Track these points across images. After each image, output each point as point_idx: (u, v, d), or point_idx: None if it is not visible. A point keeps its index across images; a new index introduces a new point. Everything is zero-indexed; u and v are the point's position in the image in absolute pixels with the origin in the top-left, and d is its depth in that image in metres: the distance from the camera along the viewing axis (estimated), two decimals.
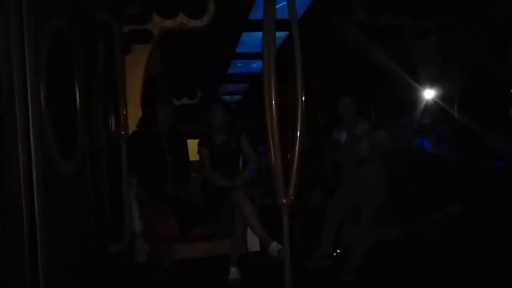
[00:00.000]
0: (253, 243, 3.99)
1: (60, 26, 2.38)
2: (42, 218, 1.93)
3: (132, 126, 4.09)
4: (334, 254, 4.09)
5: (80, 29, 2.72)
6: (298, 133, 2.06)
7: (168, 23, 4.29)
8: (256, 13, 5.35)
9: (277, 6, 2.09)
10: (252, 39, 6.87)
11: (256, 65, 8.63)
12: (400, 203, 4.28)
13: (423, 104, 4.31)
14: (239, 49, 7.40)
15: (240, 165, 4.21)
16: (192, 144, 4.30)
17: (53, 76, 2.19)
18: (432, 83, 4.40)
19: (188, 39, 4.86)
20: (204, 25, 4.32)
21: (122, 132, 3.57)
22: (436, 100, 4.32)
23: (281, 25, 2.15)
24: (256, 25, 5.63)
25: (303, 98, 2.06)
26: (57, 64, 2.33)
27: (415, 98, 4.55)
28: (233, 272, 3.66)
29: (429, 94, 4.31)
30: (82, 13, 2.83)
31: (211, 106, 4.10)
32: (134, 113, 4.14)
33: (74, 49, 2.61)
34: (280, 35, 5.67)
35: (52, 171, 2.14)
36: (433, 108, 4.32)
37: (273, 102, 2.02)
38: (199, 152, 4.06)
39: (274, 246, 3.41)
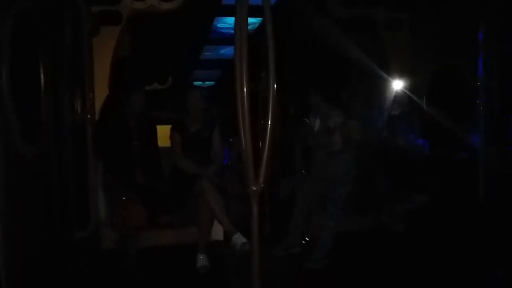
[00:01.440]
0: (219, 232, 3.98)
1: (25, 5, 2.29)
2: (2, 202, 1.87)
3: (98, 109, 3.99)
4: (303, 242, 4.13)
5: (46, 9, 2.63)
6: (270, 120, 2.05)
7: (139, 5, 4.18)
8: None
9: None
10: (224, 25, 6.80)
11: (226, 51, 8.56)
12: (368, 193, 4.34)
13: (393, 95, 4.36)
14: (211, 34, 7.32)
15: (211, 154, 4.17)
16: (163, 130, 4.24)
17: (17, 56, 2.11)
18: (402, 74, 4.45)
19: (158, 22, 4.76)
20: (176, 8, 4.24)
21: (89, 116, 3.49)
22: (405, 91, 4.38)
23: (254, 11, 2.12)
24: (228, 10, 5.56)
25: (275, 86, 2.04)
26: (22, 44, 2.25)
27: (384, 89, 4.61)
28: (201, 260, 3.65)
29: (398, 85, 4.36)
30: None
31: (190, 93, 4.03)
32: (101, 97, 4.04)
33: (40, 29, 2.53)
34: (254, 21, 5.62)
35: (14, 155, 2.07)
36: (402, 99, 4.38)
37: (245, 89, 2.00)
38: (171, 137, 4.00)
39: (237, 238, 3.42)
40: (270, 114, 2.06)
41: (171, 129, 4.01)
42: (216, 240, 4.01)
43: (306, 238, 4.18)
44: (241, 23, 2.02)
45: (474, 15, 3.78)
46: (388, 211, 4.29)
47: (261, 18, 4.37)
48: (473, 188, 3.72)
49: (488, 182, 3.64)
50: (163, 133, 4.21)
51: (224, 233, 3.81)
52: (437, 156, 4.18)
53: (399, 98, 4.33)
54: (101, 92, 4.03)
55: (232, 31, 2.09)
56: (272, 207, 4.58)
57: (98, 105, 3.95)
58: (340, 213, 3.82)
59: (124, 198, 3.65)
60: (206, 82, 12.19)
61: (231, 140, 6.16)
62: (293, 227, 4.06)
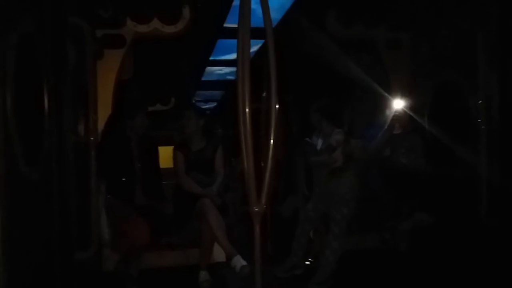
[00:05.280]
0: (221, 253, 3.96)
1: (28, 29, 2.33)
2: (3, 224, 1.87)
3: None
4: (306, 262, 4.09)
5: (50, 33, 2.67)
6: (272, 141, 2.06)
7: (142, 28, 4.24)
8: (232, 20, 5.36)
9: (252, 14, 2.08)
10: (227, 46, 6.87)
11: (231, 72, 8.63)
12: (371, 212, 4.32)
13: (394, 114, 4.36)
14: (214, 56, 7.40)
15: (213, 174, 4.17)
16: (166, 151, 4.25)
17: (20, 80, 2.14)
18: (403, 93, 4.47)
19: (162, 44, 4.82)
20: (179, 31, 4.29)
21: (92, 138, 3.51)
22: (406, 110, 4.39)
23: (256, 33, 2.15)
24: (231, 32, 5.63)
25: (277, 106, 2.06)
26: (26, 68, 2.27)
27: (385, 108, 4.62)
28: (204, 275, 3.67)
29: (399, 104, 4.37)
30: (53, 16, 2.77)
31: (185, 113, 4.08)
32: (104, 119, 4.07)
33: (44, 52, 2.56)
34: (255, 42, 5.69)
35: (16, 177, 2.08)
36: (403, 117, 4.39)
37: (247, 109, 2.01)
38: (173, 157, 4.03)
39: (237, 260, 3.40)
40: (272, 134, 2.07)
41: (174, 149, 4.04)
42: (218, 262, 3.99)
43: (309, 259, 4.14)
44: (243, 45, 2.05)
45: (472, 32, 3.81)
46: (392, 229, 4.26)
47: (263, 40, 4.43)
48: (475, 206, 3.69)
49: (490, 200, 3.62)
50: (165, 154, 4.23)
51: (226, 255, 3.80)
52: (439, 174, 4.17)
53: (400, 117, 4.34)
54: (104, 115, 4.06)
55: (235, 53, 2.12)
56: (275, 227, 4.55)
57: (101, 127, 3.98)
58: (343, 233, 3.79)
59: (126, 219, 3.64)
60: (209, 103, 12.28)
61: (233, 159, 6.17)
62: (296, 247, 4.03)
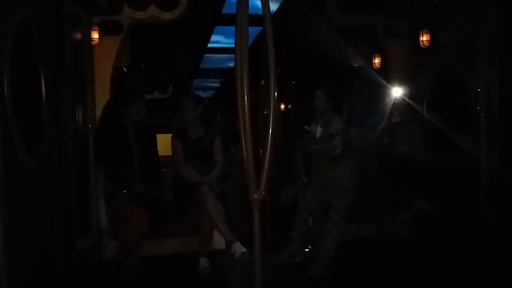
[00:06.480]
0: (220, 240, 3.97)
1: (26, 17, 2.31)
2: (4, 213, 1.87)
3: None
4: (305, 250, 4.11)
5: (47, 20, 2.65)
6: (271, 128, 2.05)
7: (139, 15, 4.20)
8: (230, 7, 5.32)
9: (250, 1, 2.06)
10: (225, 33, 6.84)
11: (229, 60, 8.59)
12: (370, 201, 4.33)
13: (392, 102, 4.35)
14: (212, 43, 7.36)
15: (212, 162, 4.17)
16: (164, 139, 4.24)
17: (18, 68, 2.12)
18: (402, 81, 4.45)
19: (159, 31, 4.79)
20: (176, 18, 4.26)
21: (90, 125, 3.50)
22: (405, 98, 4.37)
23: (254, 20, 2.13)
24: (229, 19, 5.60)
25: (276, 94, 2.05)
26: (23, 56, 2.26)
27: (385, 96, 4.61)
28: (203, 262, 3.68)
29: (398, 92, 4.36)
30: (50, 3, 2.75)
31: (183, 101, 4.07)
32: (102, 106, 4.05)
33: (41, 40, 2.54)
34: (254, 30, 5.65)
35: (15, 165, 2.07)
36: (402, 106, 4.37)
37: (246, 97, 2.00)
38: (172, 145, 4.02)
39: (237, 247, 3.42)
40: (271, 122, 2.06)
41: (172, 137, 4.03)
42: (218, 249, 4.00)
43: (309, 246, 4.16)
44: (241, 32, 2.03)
45: (474, 21, 3.79)
46: (391, 218, 4.27)
47: (261, 27, 4.40)
48: (474, 194, 3.70)
49: (490, 189, 3.63)
50: (164, 141, 4.22)
51: (225, 242, 3.81)
52: (438, 163, 4.17)
53: (400, 105, 4.32)
54: (102, 102, 4.04)
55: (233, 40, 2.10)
56: (274, 215, 4.56)
57: (99, 114, 3.96)
58: (343, 221, 3.80)
59: (125, 207, 3.64)
60: (207, 91, 12.25)
61: (232, 148, 6.17)
62: (295, 235, 4.04)
